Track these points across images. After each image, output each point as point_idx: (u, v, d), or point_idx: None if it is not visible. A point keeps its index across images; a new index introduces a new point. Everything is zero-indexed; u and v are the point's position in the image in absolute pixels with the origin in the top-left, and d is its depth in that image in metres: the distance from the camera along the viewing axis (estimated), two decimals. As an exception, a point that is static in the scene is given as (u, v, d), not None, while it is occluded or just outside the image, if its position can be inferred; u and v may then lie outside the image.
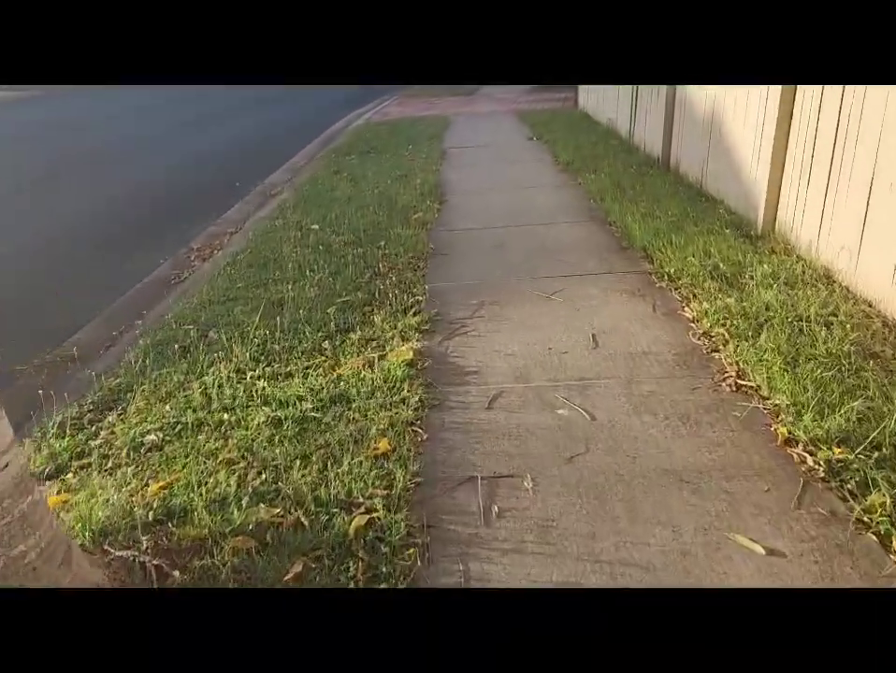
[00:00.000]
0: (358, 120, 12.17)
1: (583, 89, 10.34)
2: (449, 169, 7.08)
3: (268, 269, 4.41)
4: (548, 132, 8.62)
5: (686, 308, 3.41)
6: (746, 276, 3.67)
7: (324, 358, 3.13)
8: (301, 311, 3.63)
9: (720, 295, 3.44)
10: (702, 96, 5.49)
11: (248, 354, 3.18)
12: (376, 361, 3.04)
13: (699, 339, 3.10)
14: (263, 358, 3.17)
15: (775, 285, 3.50)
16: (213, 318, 3.68)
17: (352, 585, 1.90)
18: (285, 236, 5.08)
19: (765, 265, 3.75)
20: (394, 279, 4.03)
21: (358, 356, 3.10)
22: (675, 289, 3.64)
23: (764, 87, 4.43)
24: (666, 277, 3.77)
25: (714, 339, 3.06)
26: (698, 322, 3.26)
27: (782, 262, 3.83)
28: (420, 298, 3.71)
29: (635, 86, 7.35)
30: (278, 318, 3.57)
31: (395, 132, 9.74)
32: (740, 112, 4.81)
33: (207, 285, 4.26)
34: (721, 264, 3.77)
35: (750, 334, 3.02)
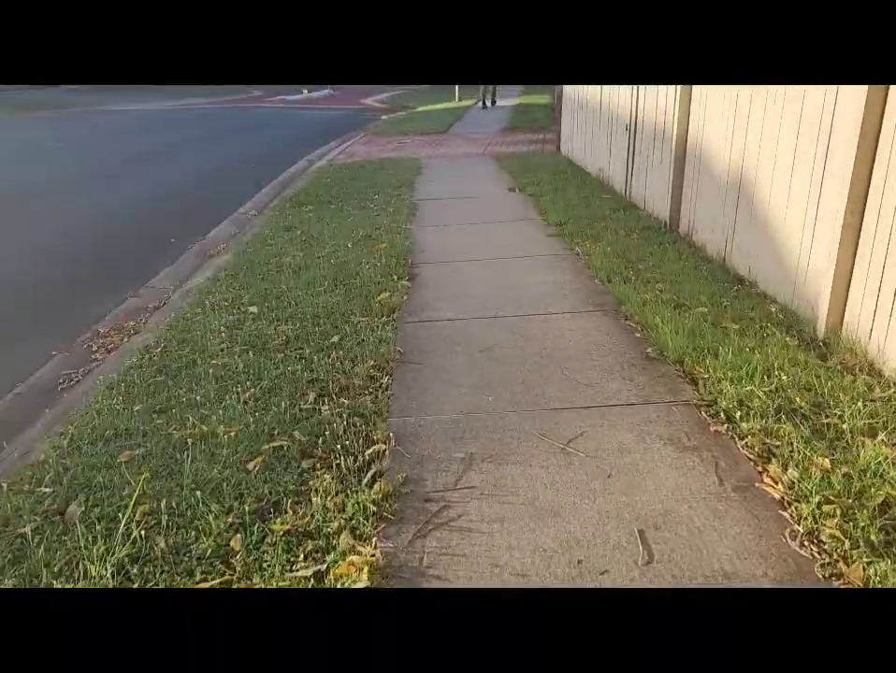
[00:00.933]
0: (321, 160, 11.14)
1: (566, 133, 9.47)
2: (420, 229, 6.05)
3: (180, 380, 3.29)
4: (531, 182, 7.69)
5: (765, 477, 2.38)
6: (832, 413, 2.67)
7: (228, 575, 2.02)
8: (209, 467, 2.52)
9: (808, 451, 2.43)
10: (724, 149, 4.57)
11: (108, 569, 2.04)
12: (310, 583, 1.94)
13: (804, 545, 2.06)
14: (135, 570, 2.04)
15: (881, 434, 2.51)
16: (81, 479, 2.54)
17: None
18: (213, 324, 3.97)
19: (852, 396, 2.76)
20: (346, 405, 2.94)
21: (283, 574, 1.99)
22: (740, 436, 2.61)
23: (821, 144, 3.50)
24: (723, 414, 2.75)
25: (827, 548, 2.03)
26: (791, 505, 2.23)
27: (870, 388, 2.84)
28: (382, 447, 2.63)
29: (632, 133, 6.45)
30: (172, 483, 2.45)
31: (360, 176, 8.73)
32: (782, 173, 3.87)
33: (93, 407, 3.11)
34: (795, 397, 2.77)
35: (882, 539, 2.00)
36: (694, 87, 5.09)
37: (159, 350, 3.70)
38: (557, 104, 10.18)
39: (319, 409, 2.93)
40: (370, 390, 3.09)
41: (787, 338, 3.34)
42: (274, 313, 4.11)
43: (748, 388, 2.84)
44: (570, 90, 9.11)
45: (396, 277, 4.64)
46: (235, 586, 1.99)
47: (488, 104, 18.66)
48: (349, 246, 5.51)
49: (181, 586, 2.00)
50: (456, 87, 20.61)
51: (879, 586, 1.86)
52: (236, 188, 9.03)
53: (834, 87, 3.39)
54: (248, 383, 3.20)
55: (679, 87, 5.21)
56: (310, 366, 3.33)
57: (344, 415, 2.85)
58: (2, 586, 1.77)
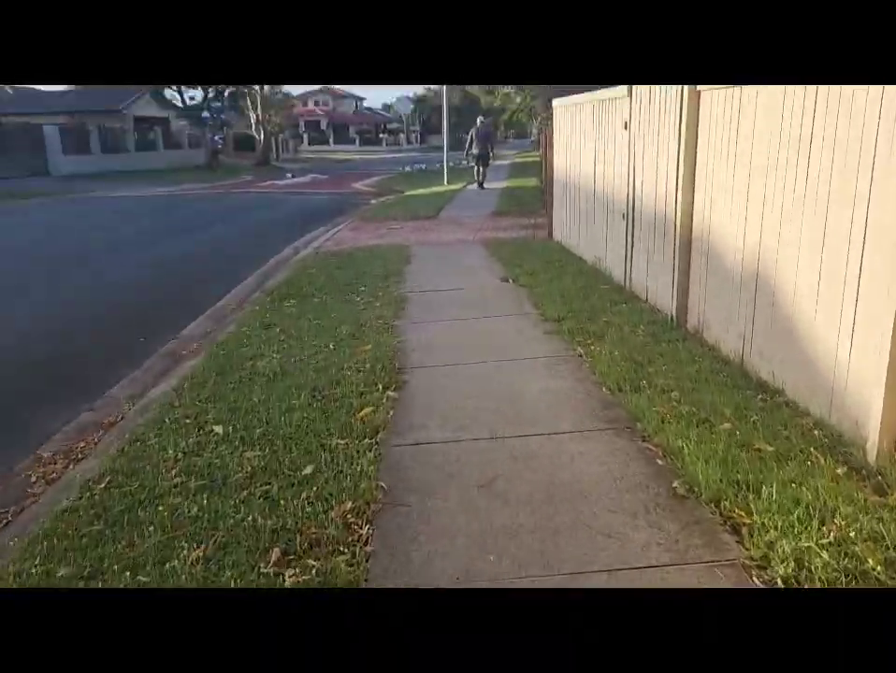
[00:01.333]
0: (308, 247, 10.88)
1: (558, 219, 9.25)
2: (409, 326, 5.63)
3: (120, 531, 2.75)
4: (524, 272, 7.36)
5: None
6: (912, 578, 2.16)
7: None
8: None
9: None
10: (736, 235, 4.21)
11: None
12: None
13: None
14: None
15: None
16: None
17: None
18: (169, 451, 3.45)
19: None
20: (315, 570, 2.41)
21: None
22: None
23: (857, 224, 3.12)
24: (780, 581, 2.23)
25: None
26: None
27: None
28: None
29: (629, 220, 6.16)
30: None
31: (347, 265, 8.40)
32: (808, 263, 3.48)
33: (9, 571, 2.56)
34: (864, 554, 2.26)
35: None
36: (698, 167, 4.79)
37: (102, 485, 3.17)
38: (548, 187, 10.02)
39: (282, 576, 2.39)
40: (347, 545, 2.56)
41: (836, 467, 2.86)
42: (241, 434, 3.60)
43: (805, 543, 2.33)
44: (560, 173, 8.95)
45: (381, 386, 4.17)
46: None
47: (484, 185, 18.94)
48: (331, 347, 5.07)
49: None
50: (445, 171, 20.81)
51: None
52: (216, 278, 8.67)
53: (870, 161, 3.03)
54: (200, 535, 2.66)
55: (681, 168, 4.92)
56: (277, 510, 2.81)
57: (312, 585, 2.31)
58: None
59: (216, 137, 45.34)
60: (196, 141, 37.61)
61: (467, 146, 19.24)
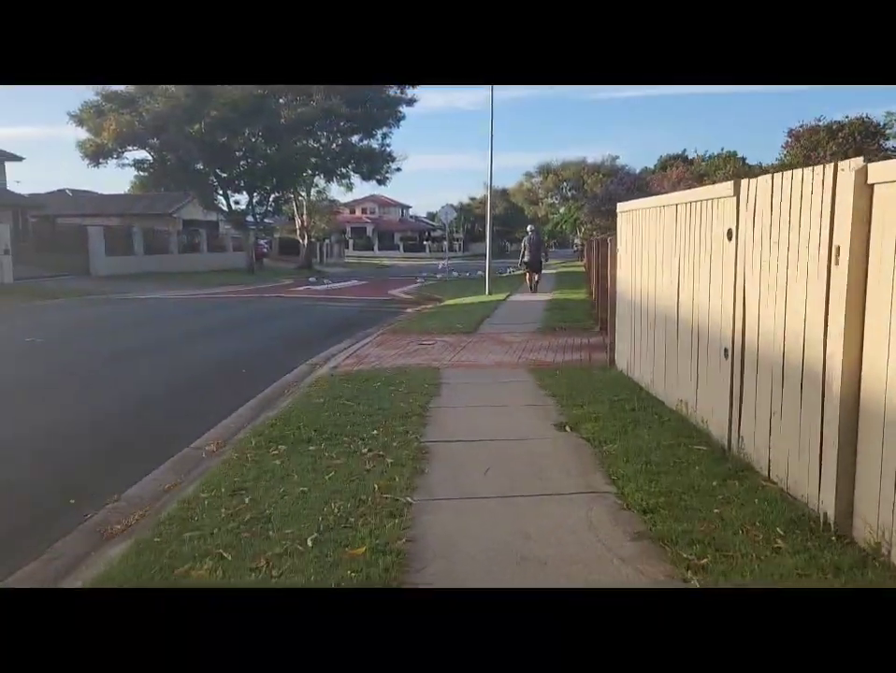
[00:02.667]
0: (326, 363, 9.44)
1: (623, 344, 7.62)
2: (427, 509, 3.93)
3: None
4: (586, 415, 5.69)
5: None
6: None
7: None
8: None
9: None
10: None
11: None
12: None
13: None
14: None
15: None
16: None
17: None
18: None
19: None
20: None
21: None
22: None
23: None
24: None
25: None
26: None
27: None
28: None
29: (736, 359, 4.49)
30: None
31: (361, 395, 6.85)
32: None
33: None
34: None
35: None
36: (870, 297, 3.15)
37: None
38: (608, 306, 8.47)
39: None
40: None
41: None
42: None
43: None
44: (625, 290, 7.41)
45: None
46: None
47: (536, 289, 19.39)
48: (308, 544, 3.40)
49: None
50: (487, 280, 19.64)
51: None
52: (207, 406, 7.19)
53: None
54: None
55: (835, 297, 3.29)
56: None
57: None
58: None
59: (261, 241, 46.04)
60: (241, 245, 37.82)
61: (521, 254, 19.86)
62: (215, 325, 14.54)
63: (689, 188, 16.88)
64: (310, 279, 29.62)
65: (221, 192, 31.79)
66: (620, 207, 7.52)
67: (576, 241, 71.19)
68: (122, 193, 48.60)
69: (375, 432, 5.45)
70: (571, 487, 4.19)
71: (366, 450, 5.00)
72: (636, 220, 6.87)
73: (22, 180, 66.07)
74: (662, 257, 6.04)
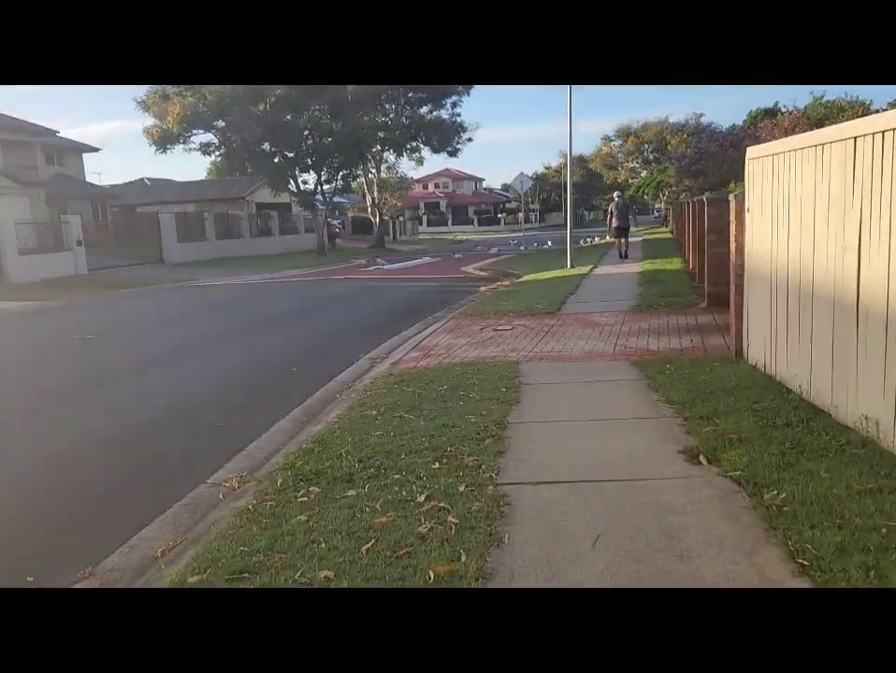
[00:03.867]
0: (388, 357, 8.16)
1: (759, 329, 5.88)
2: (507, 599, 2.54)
3: None
4: (722, 433, 4.13)
5: None
6: None
7: None
8: None
9: None
10: None
11: None
12: None
13: None
14: None
15: None
16: None
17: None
18: None
19: None
20: None
21: None
22: None
23: None
24: None
25: None
26: None
27: None
28: None
29: None
30: None
31: (422, 404, 5.51)
32: None
33: None
34: None
35: None
36: None
37: None
38: (729, 278, 6.74)
39: None
40: None
41: None
42: None
43: None
44: (759, 258, 5.70)
45: None
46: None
47: (628, 255, 19.24)
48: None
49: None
50: (568, 252, 17.89)
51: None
52: (239, 419, 6.03)
53: None
54: None
55: None
56: None
57: None
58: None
59: (333, 221, 45.46)
60: (312, 226, 37.22)
61: (608, 220, 20.21)
62: (274, 314, 13.55)
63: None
64: (378, 259, 28.44)
65: (288, 172, 30.99)
66: (752, 151, 5.78)
67: (657, 206, 67.43)
68: (198, 179, 49.03)
69: (436, 466, 4.08)
70: (733, 577, 2.68)
71: (422, 497, 3.63)
72: (780, 167, 5.15)
73: (104, 172, 68.04)
74: (829, 216, 4.34)
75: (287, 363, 8.46)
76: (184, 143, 28.64)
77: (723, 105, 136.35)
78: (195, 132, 28.39)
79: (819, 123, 13.47)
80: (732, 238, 6.28)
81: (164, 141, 27.66)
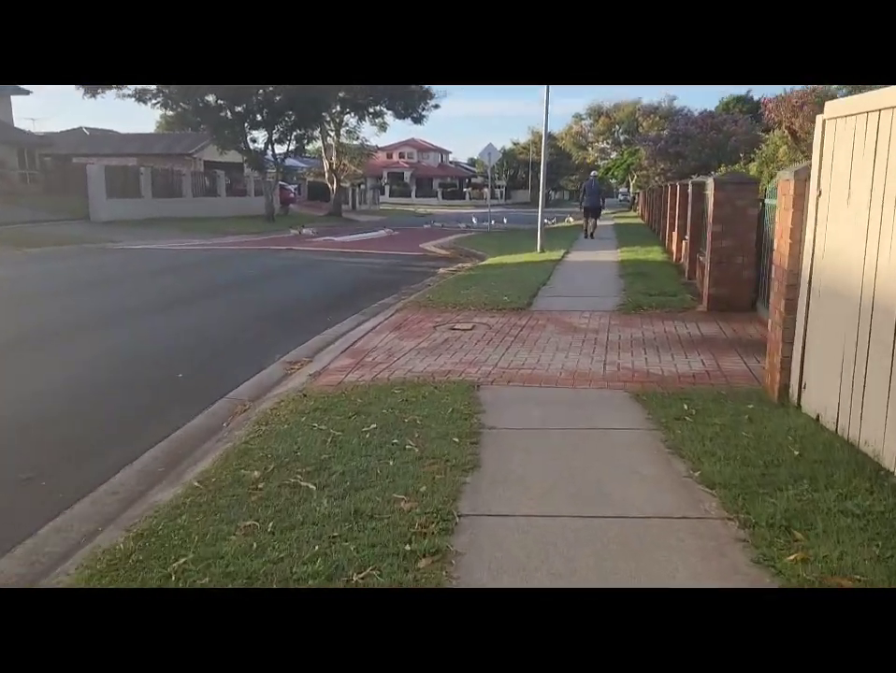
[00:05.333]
0: (306, 366, 6.27)
1: (822, 368, 4.12)
2: None
3: None
4: (809, 560, 2.40)
5: None
6: None
7: None
8: None
9: None
10: None
11: None
12: None
13: None
14: None
15: None
16: None
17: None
18: None
19: None
20: None
21: None
22: None
23: None
24: None
25: None
26: None
27: None
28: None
29: None
30: None
31: (330, 460, 3.67)
32: None
33: None
34: None
35: None
36: None
37: None
38: (778, 288, 4.95)
39: None
40: None
41: None
42: None
43: None
44: (840, 256, 3.94)
45: None
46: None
47: (593, 235, 19.39)
48: None
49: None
50: (539, 234, 16.08)
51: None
52: (72, 458, 4.07)
53: None
54: None
55: None
56: None
57: None
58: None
59: (288, 186, 42.67)
60: (269, 188, 34.58)
61: (580, 198, 20.70)
62: (187, 291, 11.42)
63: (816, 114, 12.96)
64: (304, 228, 25.78)
65: (237, 128, 28.26)
66: (834, 108, 3.96)
67: (622, 190, 65.84)
68: (144, 133, 45.56)
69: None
70: None
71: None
72: (892, 129, 3.35)
73: (39, 119, 63.09)
74: None
75: (176, 362, 6.46)
76: (118, 87, 25.71)
77: (695, 90, 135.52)
78: (130, 76, 25.44)
79: (831, 97, 11.96)
80: (781, 233, 4.50)
81: (93, 84, 24.67)
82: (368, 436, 4.03)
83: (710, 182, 8.40)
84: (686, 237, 12.29)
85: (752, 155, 14.45)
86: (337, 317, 8.66)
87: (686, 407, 4.43)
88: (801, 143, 11.53)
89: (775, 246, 4.59)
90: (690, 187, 11.15)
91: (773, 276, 4.65)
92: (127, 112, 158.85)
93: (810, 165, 4.11)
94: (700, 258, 9.94)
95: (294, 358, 6.65)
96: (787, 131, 11.47)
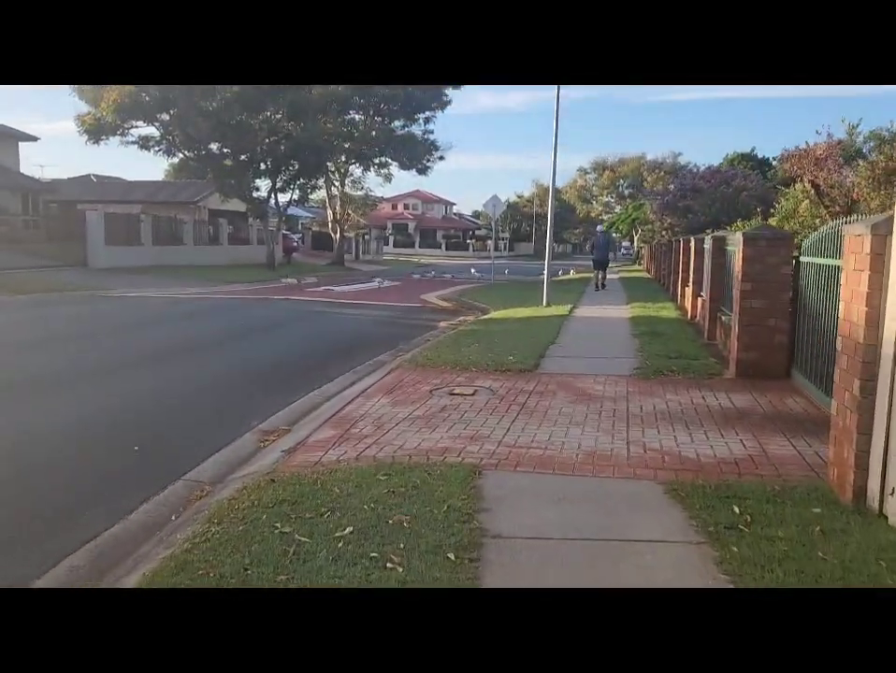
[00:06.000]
0: (283, 438, 5.47)
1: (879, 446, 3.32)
2: None
3: None
4: None
5: None
6: None
7: None
8: None
9: None
10: None
11: None
12: None
13: None
14: None
15: None
16: None
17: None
18: None
19: None
20: None
21: None
22: None
23: None
24: None
25: None
26: None
27: None
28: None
29: None
30: None
31: (302, 569, 2.84)
32: None
33: None
34: None
35: None
36: None
37: None
38: (857, 364, 4.14)
39: None
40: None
41: None
42: None
43: None
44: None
45: None
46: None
47: (605, 286, 19.89)
48: None
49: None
50: (545, 287, 15.40)
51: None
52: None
53: None
54: None
55: None
56: None
57: None
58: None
59: (292, 235, 42.46)
60: (271, 237, 34.26)
61: (589, 251, 22.30)
62: (172, 342, 10.67)
63: (841, 167, 12.48)
64: (289, 278, 24.82)
65: (241, 177, 28.01)
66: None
67: (624, 244, 65.67)
68: (150, 180, 45.70)
69: None
70: None
71: None
72: None
73: (48, 165, 63.58)
74: None
75: (136, 431, 5.64)
76: (122, 135, 25.52)
77: (699, 147, 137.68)
78: (134, 123, 25.32)
79: (856, 154, 11.43)
80: (853, 298, 3.73)
81: (97, 131, 24.50)
82: (340, 545, 3.19)
83: (738, 237, 7.70)
84: (703, 295, 11.58)
85: (770, 210, 13.88)
86: (328, 373, 7.88)
87: (736, 510, 3.59)
88: (824, 198, 10.89)
89: (843, 314, 3.81)
90: (710, 242, 10.48)
91: (839, 349, 3.85)
92: (138, 160, 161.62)
93: (891, 218, 3.36)
94: (723, 318, 9.19)
95: (271, 426, 5.84)
96: (809, 185, 10.85)
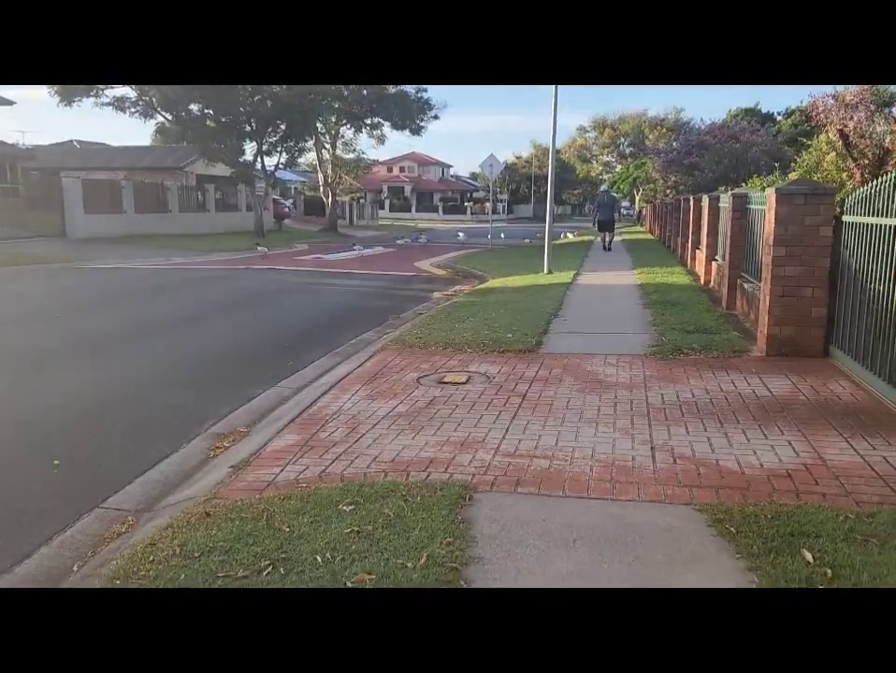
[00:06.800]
0: (237, 444, 4.60)
1: None
2: None
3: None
4: None
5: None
6: None
7: None
8: None
9: None
10: None
11: None
12: None
13: None
14: None
15: None
16: None
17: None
18: None
19: None
20: None
21: None
22: None
23: None
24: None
25: None
26: None
27: None
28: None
29: None
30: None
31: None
32: None
33: None
34: None
35: None
36: None
37: None
38: None
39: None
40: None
41: None
42: None
43: None
44: None
45: None
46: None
47: (610, 248, 19.61)
48: None
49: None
50: (546, 254, 14.38)
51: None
52: None
53: None
54: None
55: None
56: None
57: None
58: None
59: (283, 200, 41.11)
60: (258, 202, 33.05)
61: (594, 212, 21.07)
62: (137, 322, 9.73)
63: (873, 114, 11.36)
64: (259, 246, 22.35)
65: (223, 139, 26.66)
66: None
67: (625, 204, 63.97)
68: (134, 145, 44.16)
69: None
70: None
71: None
72: None
73: (29, 131, 61.46)
74: None
75: (62, 439, 4.74)
76: (95, 95, 24.15)
77: (701, 103, 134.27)
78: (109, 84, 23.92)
79: (891, 95, 10.35)
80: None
81: (68, 92, 23.15)
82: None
83: (768, 194, 6.69)
84: (719, 259, 10.61)
85: (789, 165, 12.80)
86: (303, 359, 6.97)
87: (808, 557, 2.70)
88: (852, 149, 9.83)
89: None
90: (729, 200, 9.46)
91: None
92: (124, 125, 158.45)
93: None
94: (746, 286, 8.23)
95: (228, 427, 4.96)
96: (837, 135, 9.78)
